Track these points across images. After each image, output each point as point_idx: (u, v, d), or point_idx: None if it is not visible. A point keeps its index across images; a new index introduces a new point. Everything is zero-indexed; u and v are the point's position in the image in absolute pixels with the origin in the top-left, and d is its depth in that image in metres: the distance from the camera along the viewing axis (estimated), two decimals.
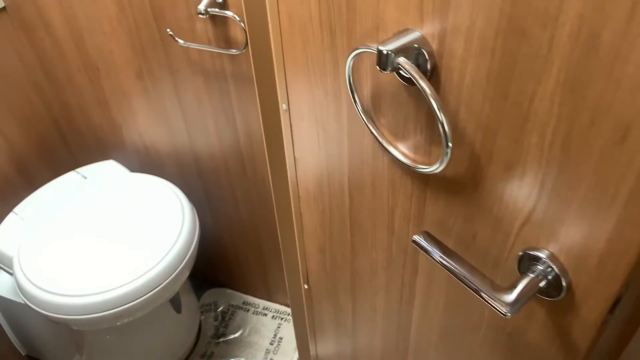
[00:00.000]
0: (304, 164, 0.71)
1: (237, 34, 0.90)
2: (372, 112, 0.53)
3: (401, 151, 0.52)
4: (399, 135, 0.52)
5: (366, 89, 0.52)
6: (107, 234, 1.05)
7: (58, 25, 1.05)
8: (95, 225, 1.07)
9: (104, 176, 1.20)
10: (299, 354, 1.18)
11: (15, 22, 1.10)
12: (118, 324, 0.99)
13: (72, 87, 1.16)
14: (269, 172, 0.79)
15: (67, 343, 1.20)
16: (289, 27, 0.55)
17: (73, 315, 0.94)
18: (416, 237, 0.51)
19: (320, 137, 0.64)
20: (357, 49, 0.45)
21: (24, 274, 0.98)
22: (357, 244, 0.69)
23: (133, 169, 1.27)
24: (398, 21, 0.44)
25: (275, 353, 1.33)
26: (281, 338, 1.37)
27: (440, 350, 0.70)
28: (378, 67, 0.43)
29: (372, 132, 0.52)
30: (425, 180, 0.52)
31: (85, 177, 1.20)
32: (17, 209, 1.12)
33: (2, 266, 1.07)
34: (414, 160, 0.51)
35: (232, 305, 1.45)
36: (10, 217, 1.10)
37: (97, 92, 1.14)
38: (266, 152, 0.76)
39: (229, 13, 0.86)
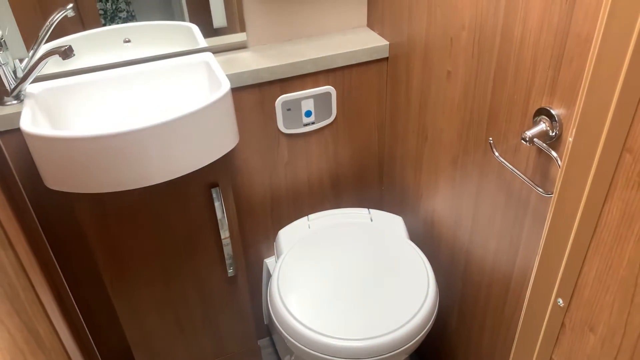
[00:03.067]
0: None
1: (556, 176, 0.76)
2: None
3: None
4: None
5: None
6: (360, 282, 1.08)
7: (415, 87, 1.12)
8: (354, 268, 1.12)
9: (387, 228, 1.25)
10: None
11: (390, 72, 1.23)
12: None
13: (403, 143, 1.24)
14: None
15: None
16: (616, 226, 0.46)
17: (307, 348, 0.99)
18: None
19: None
20: None
21: (278, 289, 1.08)
22: None
23: (412, 234, 1.29)
24: None
25: None
26: None
27: None
28: None
29: None
30: None
31: (372, 220, 1.28)
32: (312, 216, 1.30)
33: (276, 253, 1.27)
34: None
35: None
36: (302, 220, 1.28)
37: (417, 156, 1.18)
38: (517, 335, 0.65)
39: (554, 154, 0.73)
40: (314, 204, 1.38)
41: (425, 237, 1.26)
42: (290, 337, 1.01)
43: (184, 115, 0.87)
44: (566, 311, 0.56)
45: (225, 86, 0.94)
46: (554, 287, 0.57)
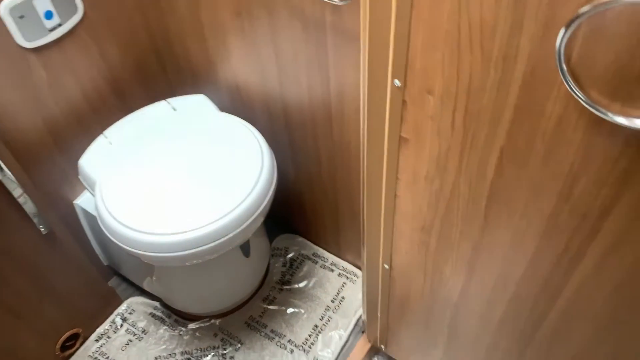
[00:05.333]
0: (416, 148, 0.65)
1: None
2: None
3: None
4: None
5: None
6: (186, 172, 1.04)
7: None
8: (177, 160, 1.06)
9: (193, 111, 1.18)
10: (367, 326, 1.16)
11: None
12: (187, 264, 1.00)
13: (173, 15, 1.12)
14: (365, 152, 0.72)
15: (142, 265, 1.25)
16: None
17: (143, 251, 0.96)
18: None
19: (457, 116, 0.57)
20: None
21: (103, 201, 1.00)
22: (493, 218, 0.65)
23: (222, 107, 1.25)
24: None
25: (335, 311, 1.32)
26: (343, 297, 1.34)
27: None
28: None
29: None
30: None
31: (174, 109, 1.19)
32: (107, 131, 1.15)
33: (86, 186, 1.12)
34: None
35: (302, 255, 1.44)
36: (99, 140, 1.13)
37: (196, 25, 1.10)
38: (365, 129, 0.68)
39: None
40: (103, 119, 1.21)
41: (236, 107, 1.23)
42: (123, 244, 0.98)
43: None
44: (404, 88, 0.61)
45: None
46: (387, 71, 0.61)
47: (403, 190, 0.73)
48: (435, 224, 0.74)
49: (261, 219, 1.05)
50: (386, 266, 0.92)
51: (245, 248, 1.19)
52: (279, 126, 1.17)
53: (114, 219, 0.97)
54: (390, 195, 0.76)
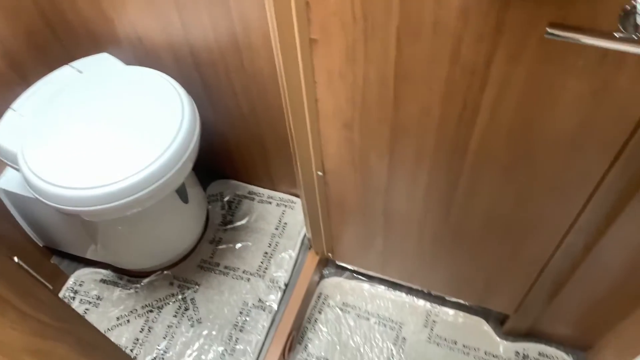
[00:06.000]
0: (326, 47, 0.71)
1: None
2: None
3: None
4: None
5: None
6: (108, 128, 1.05)
7: None
8: (96, 119, 1.07)
9: (100, 70, 1.17)
10: (313, 240, 1.25)
11: None
12: (128, 214, 1.03)
13: None
14: (281, 64, 0.78)
15: (82, 234, 1.25)
16: None
17: (83, 207, 0.98)
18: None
19: (356, 7, 0.64)
20: None
21: (30, 169, 0.99)
22: (402, 95, 0.73)
23: (129, 62, 1.24)
24: None
25: (281, 237, 1.40)
26: (286, 223, 1.43)
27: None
28: None
29: None
30: None
31: (80, 72, 1.17)
32: (14, 105, 1.11)
33: (8, 162, 1.09)
34: None
35: (238, 195, 1.50)
36: (8, 114, 1.10)
37: None
38: (276, 39, 0.74)
39: None
40: (5, 96, 1.16)
41: (141, 59, 1.23)
42: (62, 205, 0.99)
43: None
44: None
45: None
46: None
47: (322, 92, 0.81)
48: (355, 118, 0.82)
49: (191, 162, 1.08)
50: (320, 173, 1.00)
51: (182, 194, 1.23)
52: (189, 69, 1.19)
53: (47, 182, 0.97)
54: (312, 100, 0.83)
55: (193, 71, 1.19)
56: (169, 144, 1.01)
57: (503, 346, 1.20)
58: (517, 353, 1.19)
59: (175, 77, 1.22)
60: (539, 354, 1.19)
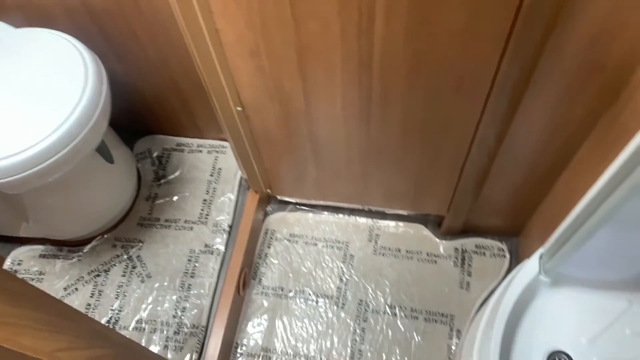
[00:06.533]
0: None
1: None
2: None
3: None
4: None
5: None
6: (9, 95, 0.99)
7: None
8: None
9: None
10: (249, 180, 1.26)
11: None
12: (50, 180, 0.99)
13: None
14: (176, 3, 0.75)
15: (11, 212, 1.21)
16: None
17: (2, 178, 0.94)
18: None
19: None
20: None
21: None
22: (299, 14, 0.73)
23: (19, 24, 1.15)
24: None
25: (217, 182, 1.40)
26: (220, 169, 1.43)
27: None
28: None
29: None
30: None
31: None
32: None
33: None
34: None
35: (166, 149, 1.47)
36: None
37: None
38: None
39: None
40: None
41: (32, 20, 1.14)
42: None
43: None
44: None
45: None
46: None
47: (220, 20, 0.79)
48: (260, 44, 0.81)
49: (104, 120, 1.04)
50: (239, 108, 1.00)
51: (106, 154, 1.19)
52: (85, 22, 1.12)
53: None
54: (212, 31, 0.81)
55: (89, 24, 1.12)
56: (75, 104, 0.97)
57: (443, 245, 1.28)
58: (456, 249, 1.27)
59: (73, 33, 1.15)
60: (476, 246, 1.28)
